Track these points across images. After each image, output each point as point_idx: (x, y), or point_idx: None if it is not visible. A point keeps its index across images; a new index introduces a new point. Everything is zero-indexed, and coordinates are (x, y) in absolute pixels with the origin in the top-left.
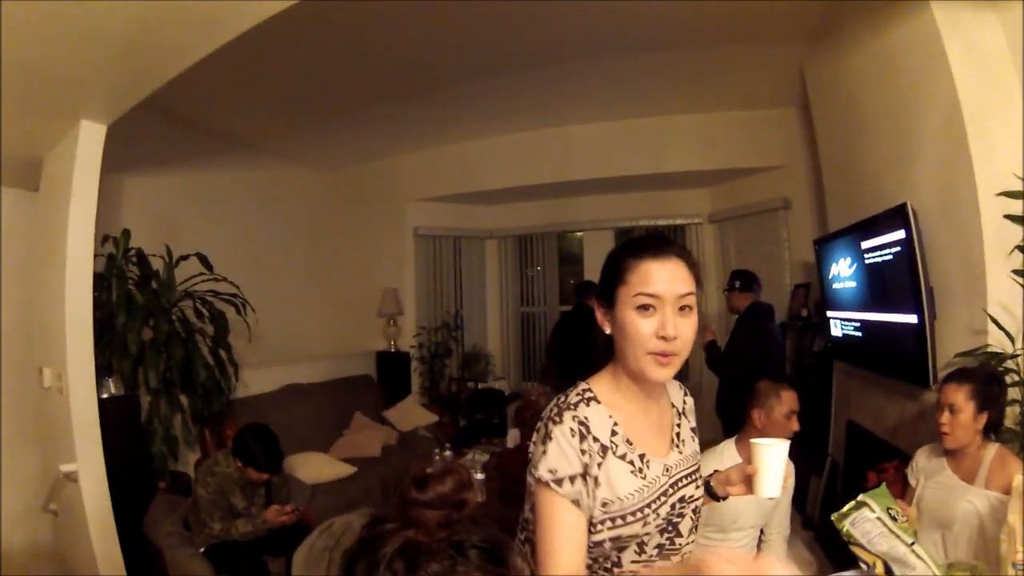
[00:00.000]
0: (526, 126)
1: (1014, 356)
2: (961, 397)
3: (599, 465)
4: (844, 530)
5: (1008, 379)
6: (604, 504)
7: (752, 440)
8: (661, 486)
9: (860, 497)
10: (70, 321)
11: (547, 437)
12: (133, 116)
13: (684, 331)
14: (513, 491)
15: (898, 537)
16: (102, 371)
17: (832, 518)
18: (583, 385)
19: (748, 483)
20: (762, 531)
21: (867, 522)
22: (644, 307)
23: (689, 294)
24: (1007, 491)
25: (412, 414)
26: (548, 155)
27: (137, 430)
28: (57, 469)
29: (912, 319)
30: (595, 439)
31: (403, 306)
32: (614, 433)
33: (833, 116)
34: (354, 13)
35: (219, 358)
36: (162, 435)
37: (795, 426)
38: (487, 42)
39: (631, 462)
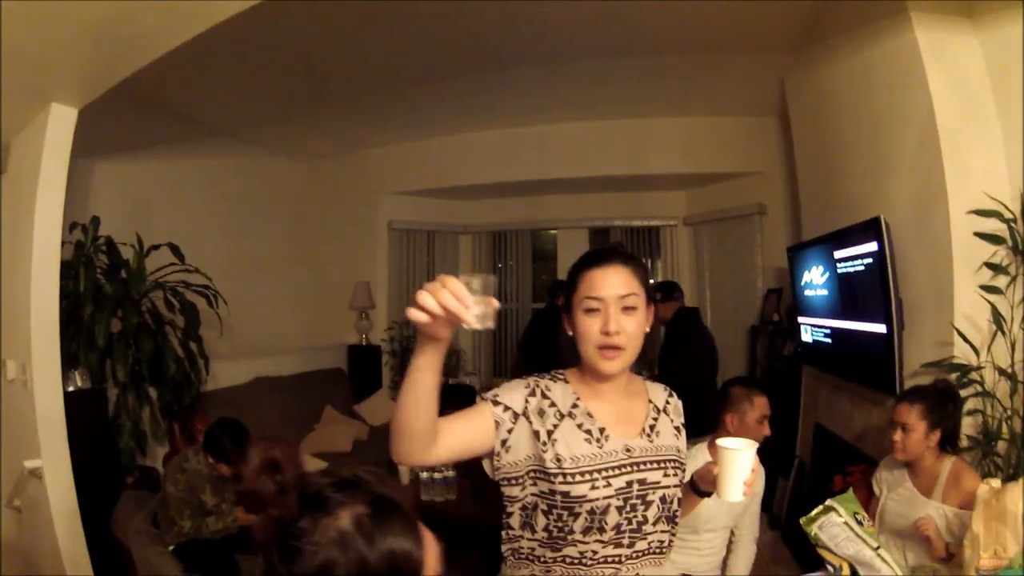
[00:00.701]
0: (504, 123)
1: (978, 368)
2: (913, 417)
3: (555, 426)
4: (812, 534)
5: (972, 390)
6: (558, 459)
7: (718, 441)
8: (618, 459)
9: (828, 502)
10: (35, 311)
11: (507, 382)
12: (105, 99)
13: (627, 327)
14: (485, 490)
15: (864, 541)
16: (68, 363)
17: (801, 522)
18: (558, 371)
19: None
20: (732, 531)
21: (834, 526)
22: (591, 309)
23: (630, 295)
24: (962, 505)
25: (383, 408)
26: (526, 152)
27: (104, 424)
28: (21, 465)
29: (881, 329)
30: (552, 403)
31: (375, 300)
32: (575, 406)
33: (811, 127)
34: (336, 5)
35: (189, 350)
36: (130, 429)
37: (767, 431)
38: (469, 39)
39: (588, 431)
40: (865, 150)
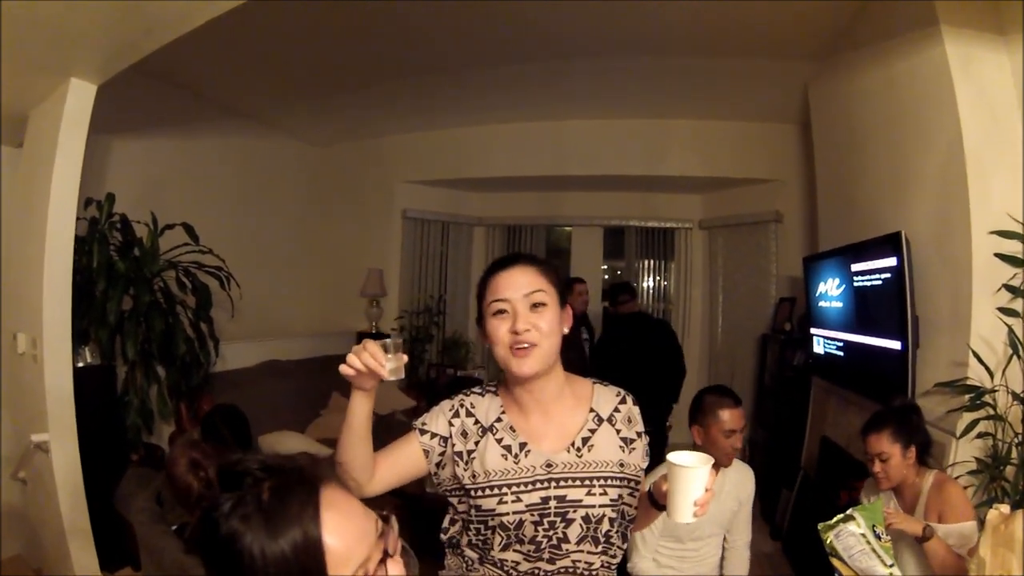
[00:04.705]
0: (524, 116)
1: (992, 391)
2: (885, 443)
3: (476, 443)
4: (828, 541)
5: (984, 412)
6: (474, 476)
7: (668, 455)
8: (534, 475)
9: (849, 511)
10: (48, 286)
11: (437, 404)
12: (123, 76)
13: (537, 323)
14: None
15: (879, 557)
16: (78, 339)
17: (818, 527)
18: (492, 383)
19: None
20: (725, 538)
21: (851, 536)
22: (499, 311)
23: (537, 291)
24: (943, 514)
25: (389, 397)
26: (544, 147)
27: (112, 401)
28: (27, 438)
29: (896, 345)
30: (476, 421)
31: (387, 288)
32: (499, 419)
33: (833, 137)
34: None
35: (200, 331)
36: (137, 407)
37: (737, 444)
38: (492, 31)
39: (506, 446)
40: (887, 163)
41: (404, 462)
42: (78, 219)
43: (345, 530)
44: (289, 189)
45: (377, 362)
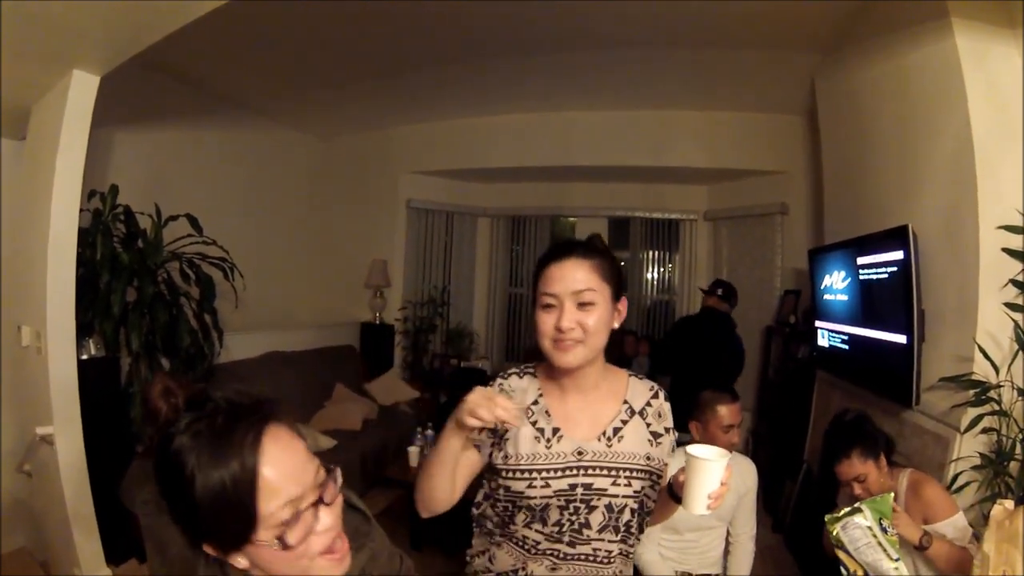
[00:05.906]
0: (528, 107)
1: (997, 387)
2: (858, 465)
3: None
4: (834, 533)
5: (988, 407)
6: (506, 457)
7: (687, 448)
8: (564, 461)
9: (857, 503)
10: (52, 278)
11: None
12: (127, 68)
13: (584, 321)
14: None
15: (885, 551)
16: (82, 331)
17: (825, 519)
18: (530, 364)
19: None
20: (728, 531)
21: (857, 529)
22: (547, 305)
23: (587, 290)
24: (926, 516)
25: (394, 388)
26: (548, 138)
27: (116, 393)
28: (32, 430)
29: (901, 339)
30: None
31: (391, 278)
32: (535, 403)
33: (840, 129)
34: None
35: (203, 322)
36: (142, 399)
37: (734, 439)
38: (497, 22)
39: (540, 430)
40: (895, 156)
41: (466, 464)
42: (81, 211)
43: (282, 464)
44: (293, 181)
45: (510, 414)
